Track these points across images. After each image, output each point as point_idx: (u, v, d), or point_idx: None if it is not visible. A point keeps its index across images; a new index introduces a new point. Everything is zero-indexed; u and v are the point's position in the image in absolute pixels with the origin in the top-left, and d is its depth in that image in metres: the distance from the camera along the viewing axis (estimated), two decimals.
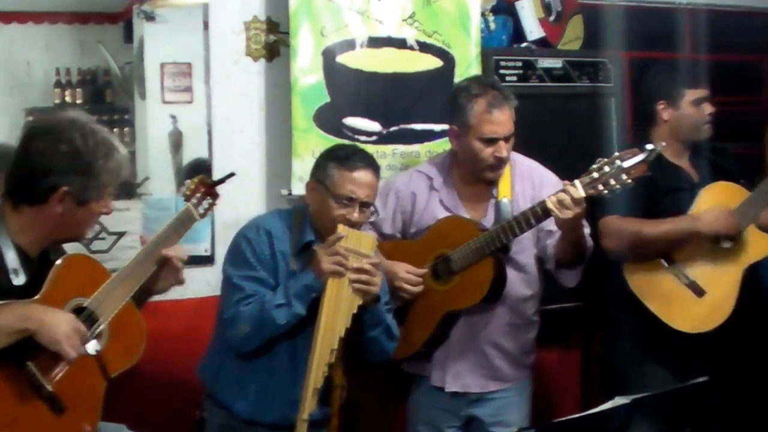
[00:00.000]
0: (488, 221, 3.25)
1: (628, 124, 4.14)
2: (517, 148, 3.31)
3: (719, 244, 3.37)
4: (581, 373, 4.16)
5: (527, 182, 3.30)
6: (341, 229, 2.88)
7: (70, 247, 2.70)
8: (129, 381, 3.28)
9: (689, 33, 4.45)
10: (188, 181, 2.83)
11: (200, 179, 2.78)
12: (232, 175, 2.92)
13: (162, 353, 3.51)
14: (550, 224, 3.12)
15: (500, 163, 3.20)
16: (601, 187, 2.92)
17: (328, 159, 2.99)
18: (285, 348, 2.97)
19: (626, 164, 2.90)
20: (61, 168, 2.43)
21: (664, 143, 3.12)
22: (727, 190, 3.45)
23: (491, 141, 3.16)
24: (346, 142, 3.54)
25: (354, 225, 2.92)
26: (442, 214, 3.28)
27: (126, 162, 2.57)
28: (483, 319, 3.26)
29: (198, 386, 3.16)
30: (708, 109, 3.51)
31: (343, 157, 2.96)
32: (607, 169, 2.92)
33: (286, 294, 2.88)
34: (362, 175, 2.93)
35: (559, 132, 3.95)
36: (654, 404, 2.55)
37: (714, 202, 3.41)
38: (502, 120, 3.16)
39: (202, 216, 2.76)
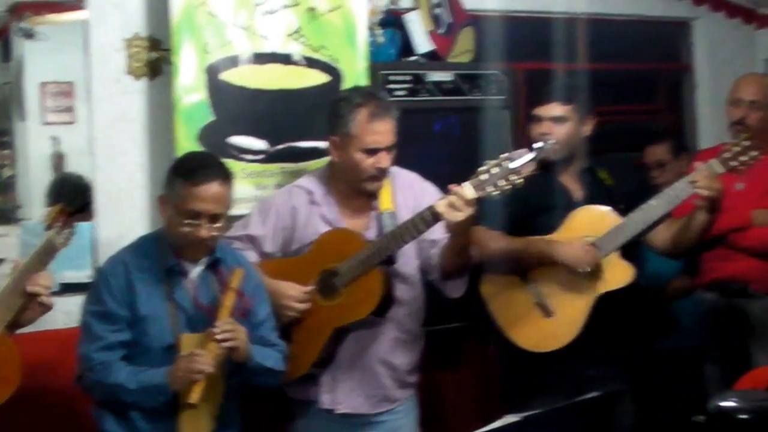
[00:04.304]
0: (371, 234, 3.19)
1: (523, 136, 4.12)
2: (408, 163, 3.27)
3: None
4: (480, 393, 4.11)
5: (408, 193, 3.25)
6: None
7: None
8: (26, 413, 3.18)
9: (583, 43, 4.46)
10: (48, 208, 2.75)
11: (60, 208, 2.71)
12: (87, 204, 2.84)
13: (57, 382, 3.41)
14: (432, 233, 3.08)
15: (382, 174, 3.16)
16: (490, 188, 2.89)
17: (175, 173, 2.94)
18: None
19: (514, 164, 2.88)
20: None
21: (554, 141, 3.05)
22: (592, 217, 3.37)
23: (373, 151, 3.11)
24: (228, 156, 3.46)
25: (203, 241, 2.88)
26: (324, 228, 3.21)
27: None
28: (371, 334, 3.20)
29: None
30: (545, 127, 3.38)
31: (187, 171, 2.90)
32: (495, 170, 2.89)
33: (137, 382, 2.83)
34: (207, 189, 2.85)
35: (451, 146, 3.90)
36: (546, 421, 2.49)
37: (579, 228, 3.35)
38: (384, 130, 3.11)
39: (63, 245, 2.70)
